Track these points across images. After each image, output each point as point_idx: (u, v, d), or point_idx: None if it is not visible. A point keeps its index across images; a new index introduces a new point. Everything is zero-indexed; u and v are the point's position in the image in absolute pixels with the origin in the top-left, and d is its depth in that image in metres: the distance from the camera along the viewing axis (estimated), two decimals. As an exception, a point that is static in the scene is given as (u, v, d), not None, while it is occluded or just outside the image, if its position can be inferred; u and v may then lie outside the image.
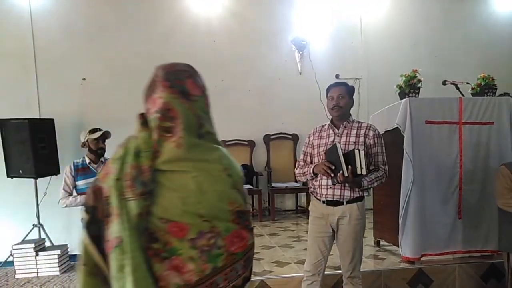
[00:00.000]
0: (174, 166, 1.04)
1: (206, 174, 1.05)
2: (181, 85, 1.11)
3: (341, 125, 2.47)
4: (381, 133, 3.51)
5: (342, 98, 2.44)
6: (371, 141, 2.44)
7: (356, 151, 2.29)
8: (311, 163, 2.54)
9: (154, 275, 0.98)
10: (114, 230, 0.98)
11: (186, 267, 0.99)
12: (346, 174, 2.26)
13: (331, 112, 2.49)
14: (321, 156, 2.46)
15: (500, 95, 3.69)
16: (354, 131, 2.45)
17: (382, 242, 3.78)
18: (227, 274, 1.04)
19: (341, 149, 2.31)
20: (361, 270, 2.49)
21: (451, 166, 3.26)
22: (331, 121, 2.53)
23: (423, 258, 3.24)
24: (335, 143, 2.35)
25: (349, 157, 2.30)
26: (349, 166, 2.26)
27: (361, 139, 2.42)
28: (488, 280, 3.26)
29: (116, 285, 0.97)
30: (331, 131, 2.50)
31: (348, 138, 2.44)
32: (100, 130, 3.21)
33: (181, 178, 1.03)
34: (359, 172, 2.27)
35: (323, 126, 2.57)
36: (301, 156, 2.62)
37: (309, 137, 2.60)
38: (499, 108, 3.32)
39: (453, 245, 3.28)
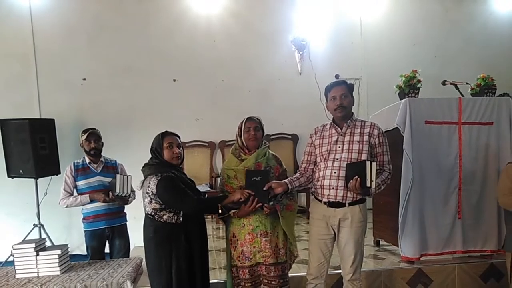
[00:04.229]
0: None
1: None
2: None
3: (344, 125, 2.42)
4: (380, 133, 3.54)
5: (345, 97, 2.38)
6: (376, 141, 2.39)
7: (368, 163, 2.22)
8: (315, 163, 2.51)
9: None
10: None
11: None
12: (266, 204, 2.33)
13: (334, 113, 2.43)
14: (324, 157, 2.42)
15: (500, 95, 3.68)
16: (358, 130, 2.40)
17: (382, 242, 3.79)
18: None
19: (347, 159, 2.33)
20: (361, 270, 2.49)
21: (450, 166, 3.27)
22: (333, 120, 2.48)
23: (422, 258, 3.25)
24: (245, 169, 2.40)
25: (359, 168, 2.23)
26: (357, 178, 2.21)
27: (366, 138, 2.37)
28: (488, 279, 3.26)
29: None
30: (333, 131, 2.44)
31: (352, 137, 2.38)
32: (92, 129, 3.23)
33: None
34: (368, 185, 2.21)
35: (324, 126, 2.52)
36: (305, 157, 2.56)
37: (311, 137, 2.55)
38: (499, 108, 3.32)
39: (453, 245, 3.28)
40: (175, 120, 5.11)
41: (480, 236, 3.32)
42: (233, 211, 2.38)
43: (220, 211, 2.32)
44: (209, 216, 4.62)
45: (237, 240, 2.44)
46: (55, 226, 4.73)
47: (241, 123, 2.54)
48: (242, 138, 2.50)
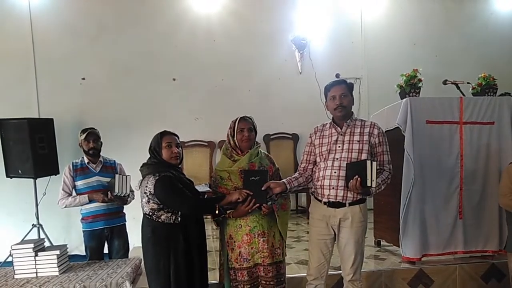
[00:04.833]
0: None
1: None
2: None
3: (344, 124, 2.41)
4: (381, 133, 3.53)
5: (345, 97, 2.37)
6: (376, 140, 2.38)
7: (368, 162, 2.20)
8: (315, 162, 2.50)
9: None
10: None
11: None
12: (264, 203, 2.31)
13: (333, 112, 2.41)
14: (323, 156, 2.41)
15: (501, 94, 3.67)
16: (358, 130, 2.39)
17: (383, 242, 3.77)
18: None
19: (347, 159, 2.31)
20: (362, 270, 2.47)
21: (451, 166, 3.25)
22: (333, 119, 2.46)
23: (423, 258, 3.23)
24: (240, 170, 2.38)
25: (359, 167, 2.22)
26: (358, 177, 2.20)
27: (366, 137, 2.36)
28: (489, 280, 3.25)
29: None
30: (333, 130, 2.43)
31: (352, 137, 2.37)
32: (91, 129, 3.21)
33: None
34: (369, 184, 2.19)
35: (324, 125, 2.51)
36: (304, 156, 2.54)
37: (310, 137, 2.54)
38: (500, 108, 3.31)
39: (454, 245, 3.27)
40: (174, 119, 5.11)
41: (481, 236, 3.31)
42: (228, 211, 2.36)
43: (217, 211, 2.30)
44: (209, 216, 4.60)
45: (234, 241, 2.41)
46: (54, 226, 4.72)
47: (234, 122, 2.47)
48: (235, 138, 2.46)
